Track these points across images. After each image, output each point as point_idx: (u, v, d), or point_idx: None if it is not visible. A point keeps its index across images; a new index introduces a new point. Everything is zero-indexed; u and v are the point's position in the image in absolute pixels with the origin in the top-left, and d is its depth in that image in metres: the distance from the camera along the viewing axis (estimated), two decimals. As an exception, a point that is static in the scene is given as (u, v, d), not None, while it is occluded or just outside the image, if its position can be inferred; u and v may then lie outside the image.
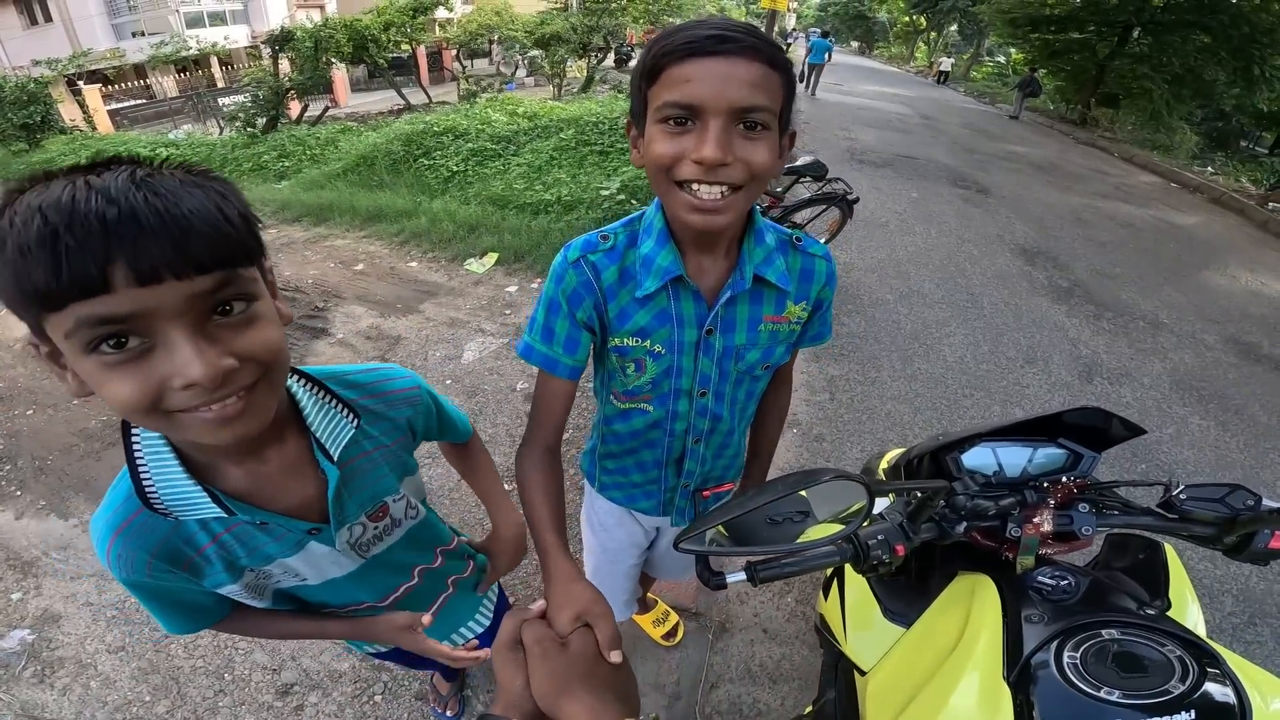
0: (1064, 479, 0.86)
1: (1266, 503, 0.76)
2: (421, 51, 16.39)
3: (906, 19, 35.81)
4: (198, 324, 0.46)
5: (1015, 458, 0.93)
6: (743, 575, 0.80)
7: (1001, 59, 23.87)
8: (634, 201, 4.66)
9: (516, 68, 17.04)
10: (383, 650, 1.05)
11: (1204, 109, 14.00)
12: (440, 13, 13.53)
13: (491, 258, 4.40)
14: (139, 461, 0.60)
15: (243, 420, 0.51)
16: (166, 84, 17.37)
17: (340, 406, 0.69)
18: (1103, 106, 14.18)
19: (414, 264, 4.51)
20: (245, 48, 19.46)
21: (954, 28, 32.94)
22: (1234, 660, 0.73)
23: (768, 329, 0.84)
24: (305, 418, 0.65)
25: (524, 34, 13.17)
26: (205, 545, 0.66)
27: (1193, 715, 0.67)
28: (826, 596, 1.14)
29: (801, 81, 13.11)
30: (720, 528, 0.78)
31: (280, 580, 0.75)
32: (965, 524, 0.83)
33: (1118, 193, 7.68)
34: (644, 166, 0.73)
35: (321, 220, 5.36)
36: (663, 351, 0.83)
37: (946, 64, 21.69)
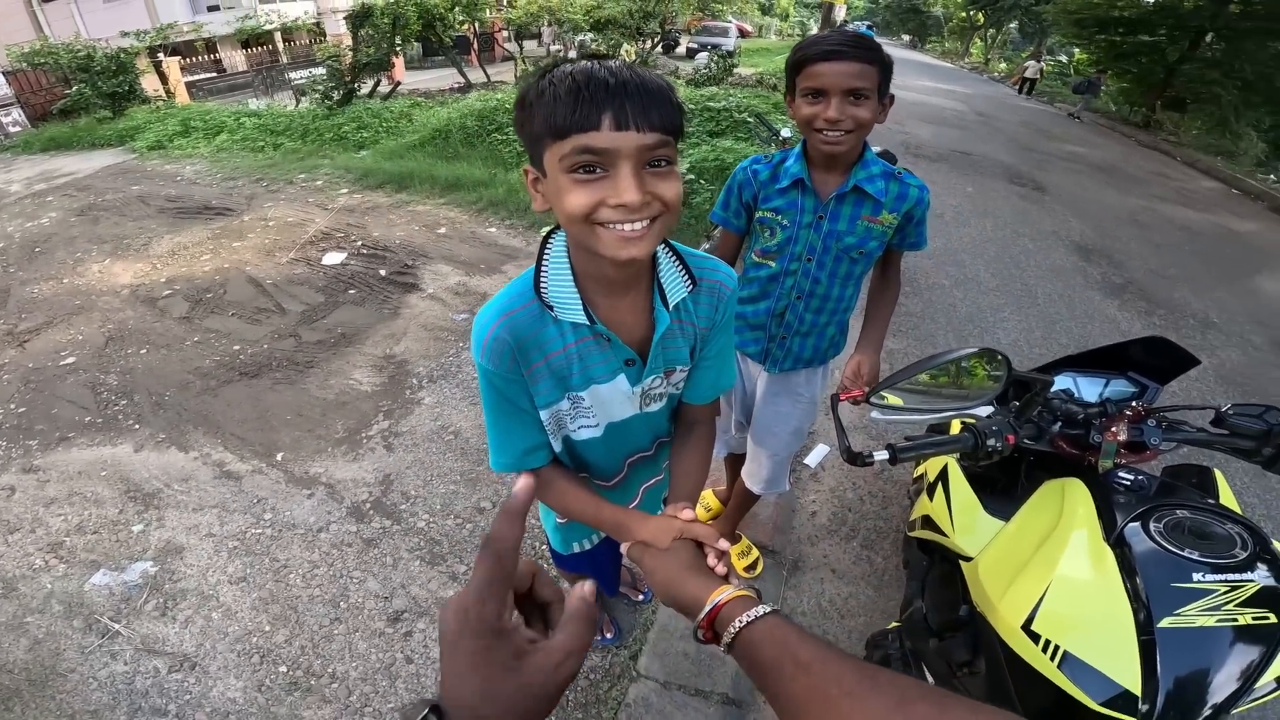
0: (1135, 403, 1.07)
1: None
2: (477, 30, 16.71)
3: (963, 14, 34.75)
4: (638, 167, 0.64)
5: (1092, 386, 1.18)
6: (886, 454, 1.00)
7: (1063, 58, 22.92)
8: (701, 180, 4.90)
9: (567, 49, 17.26)
10: (585, 550, 1.22)
11: (1273, 116, 13.43)
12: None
13: (567, 227, 4.71)
14: (544, 265, 0.80)
15: (639, 243, 0.67)
16: (236, 58, 18.06)
17: (684, 271, 0.84)
18: (1168, 110, 13.73)
19: (493, 229, 4.84)
20: (309, 24, 20.04)
21: (1014, 25, 31.89)
22: None
23: (864, 225, 1.28)
24: (658, 268, 0.83)
25: (582, 17, 13.33)
26: (555, 352, 0.82)
27: (1257, 575, 0.88)
28: (932, 498, 1.33)
29: None
30: (891, 398, 1.02)
31: (578, 426, 0.91)
32: (1059, 424, 1.06)
33: (1178, 196, 7.60)
34: (795, 119, 1.22)
35: (403, 187, 5.73)
36: (787, 224, 1.31)
37: (1033, 69, 17.67)
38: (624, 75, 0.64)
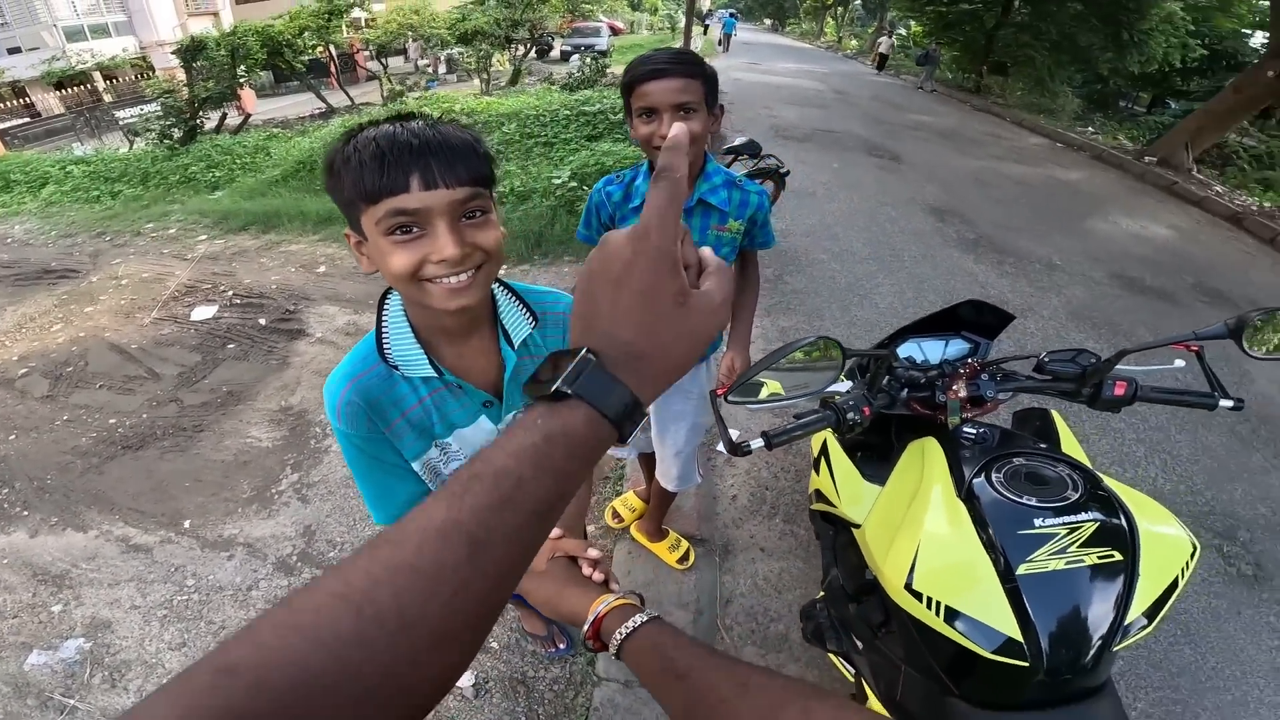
0: (970, 360, 1.18)
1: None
2: (334, 53, 15.85)
3: None
4: (453, 222, 0.67)
5: (934, 349, 1.29)
6: (761, 442, 1.02)
7: (902, 31, 24.90)
8: (584, 187, 4.93)
9: (436, 65, 16.73)
10: None
11: (1083, 73, 15.21)
12: (354, 13, 13.14)
13: (454, 251, 4.58)
14: (384, 326, 0.81)
15: (468, 292, 0.70)
16: (50, 101, 16.02)
17: (524, 309, 0.89)
18: (994, 75, 15.13)
19: None
20: (132, 59, 18.14)
21: (858, 2, 34.25)
22: (1111, 482, 1.03)
23: (714, 234, 1.35)
24: (499, 310, 0.86)
25: (446, 31, 12.99)
26: (411, 407, 0.84)
27: (1094, 513, 0.94)
28: (819, 472, 1.41)
29: (721, 44, 20.06)
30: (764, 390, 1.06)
31: (452, 463, 0.92)
32: (906, 391, 1.15)
33: (1011, 154, 8.53)
34: (636, 139, 1.24)
35: (270, 227, 5.34)
36: None
37: (885, 45, 18.46)
38: (427, 135, 0.67)
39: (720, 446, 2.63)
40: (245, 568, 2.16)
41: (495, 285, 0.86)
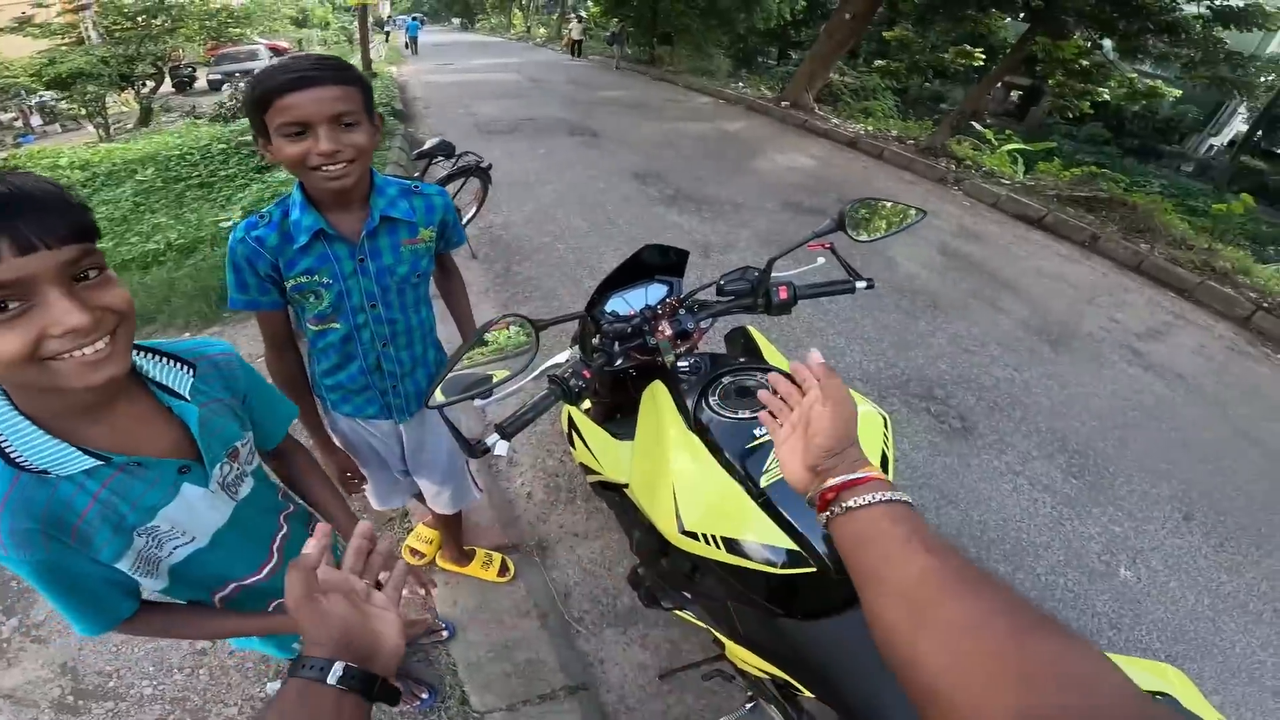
0: (667, 300, 1.27)
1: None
2: None
3: None
4: (68, 285, 0.58)
5: (637, 299, 1.34)
6: (497, 437, 0.99)
7: (582, 14, 26.39)
8: (268, 223, 4.32)
9: (26, 116, 12.92)
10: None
11: (729, 35, 17.78)
12: None
13: (111, 332, 3.66)
14: None
15: (110, 361, 0.62)
16: None
17: (173, 362, 0.79)
18: (664, 45, 16.91)
19: None
20: None
21: (539, -10, 35.07)
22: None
23: (408, 250, 1.20)
24: (143, 373, 0.75)
25: (28, 78, 10.16)
26: (86, 507, 0.70)
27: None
28: (575, 446, 1.41)
29: (408, 48, 19.81)
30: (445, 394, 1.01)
31: (171, 548, 0.80)
32: (619, 344, 1.19)
33: (687, 115, 9.72)
34: (278, 161, 1.03)
35: None
36: (330, 281, 1.16)
37: (578, 31, 19.18)
38: (3, 191, 0.55)
39: (498, 451, 2.56)
40: (21, 717, 1.78)
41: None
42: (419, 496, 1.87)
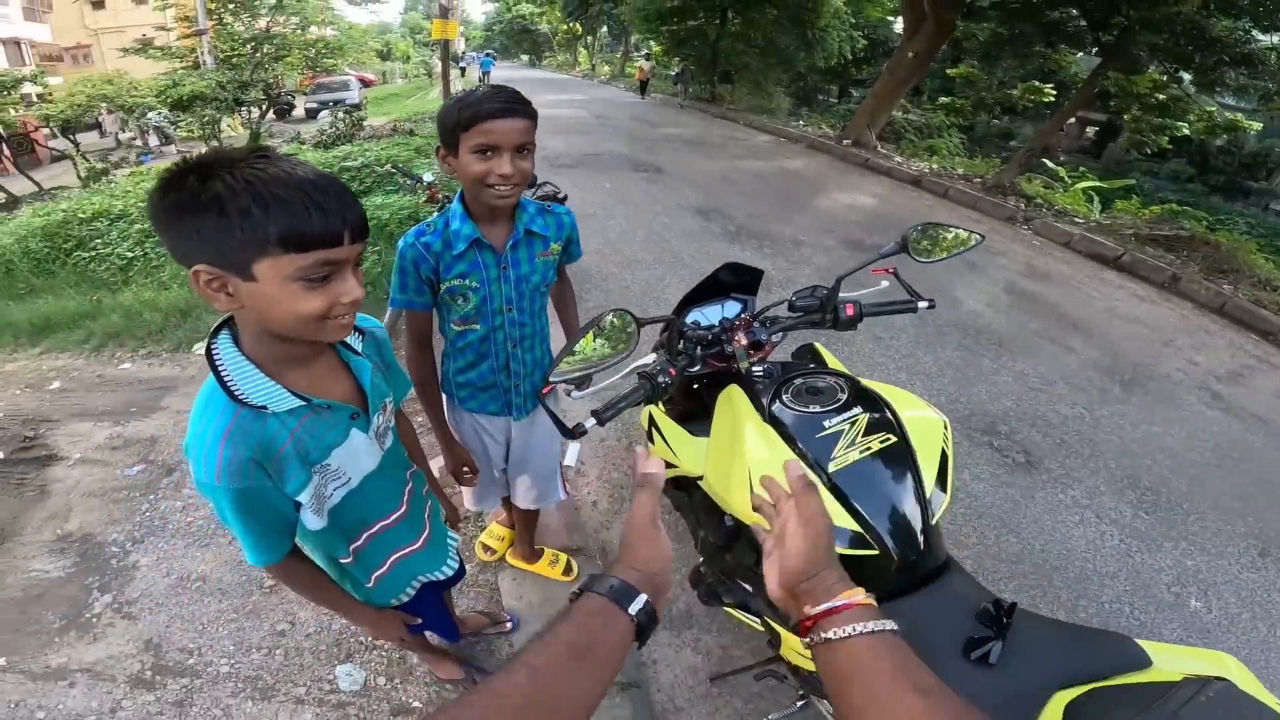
0: (743, 315, 1.41)
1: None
2: (2, 134, 12.95)
3: (565, 27, 37.93)
4: (356, 268, 0.78)
5: (714, 313, 1.51)
6: (593, 420, 1.09)
7: (645, 52, 27.25)
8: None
9: (144, 135, 14.41)
10: (408, 600, 1.25)
11: (788, 74, 17.97)
12: (25, 88, 10.90)
13: (223, 333, 4.08)
14: (223, 372, 0.80)
15: (350, 326, 0.82)
16: None
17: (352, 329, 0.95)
18: (724, 84, 17.15)
19: (127, 365, 3.96)
20: None
21: (604, 29, 36.67)
22: (868, 382, 1.23)
23: (541, 261, 1.39)
24: None
25: (155, 98, 11.33)
26: (286, 441, 0.85)
27: (859, 409, 1.12)
28: (654, 442, 1.53)
29: (481, 81, 20.00)
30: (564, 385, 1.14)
31: (333, 488, 0.95)
32: (700, 349, 1.33)
33: (748, 153, 9.95)
34: (455, 173, 1.24)
35: (-29, 348, 4.28)
36: (478, 285, 1.34)
37: (648, 69, 18.74)
38: (327, 181, 0.72)
39: (569, 460, 2.74)
40: (97, 691, 1.93)
41: None
42: (505, 501, 2.05)
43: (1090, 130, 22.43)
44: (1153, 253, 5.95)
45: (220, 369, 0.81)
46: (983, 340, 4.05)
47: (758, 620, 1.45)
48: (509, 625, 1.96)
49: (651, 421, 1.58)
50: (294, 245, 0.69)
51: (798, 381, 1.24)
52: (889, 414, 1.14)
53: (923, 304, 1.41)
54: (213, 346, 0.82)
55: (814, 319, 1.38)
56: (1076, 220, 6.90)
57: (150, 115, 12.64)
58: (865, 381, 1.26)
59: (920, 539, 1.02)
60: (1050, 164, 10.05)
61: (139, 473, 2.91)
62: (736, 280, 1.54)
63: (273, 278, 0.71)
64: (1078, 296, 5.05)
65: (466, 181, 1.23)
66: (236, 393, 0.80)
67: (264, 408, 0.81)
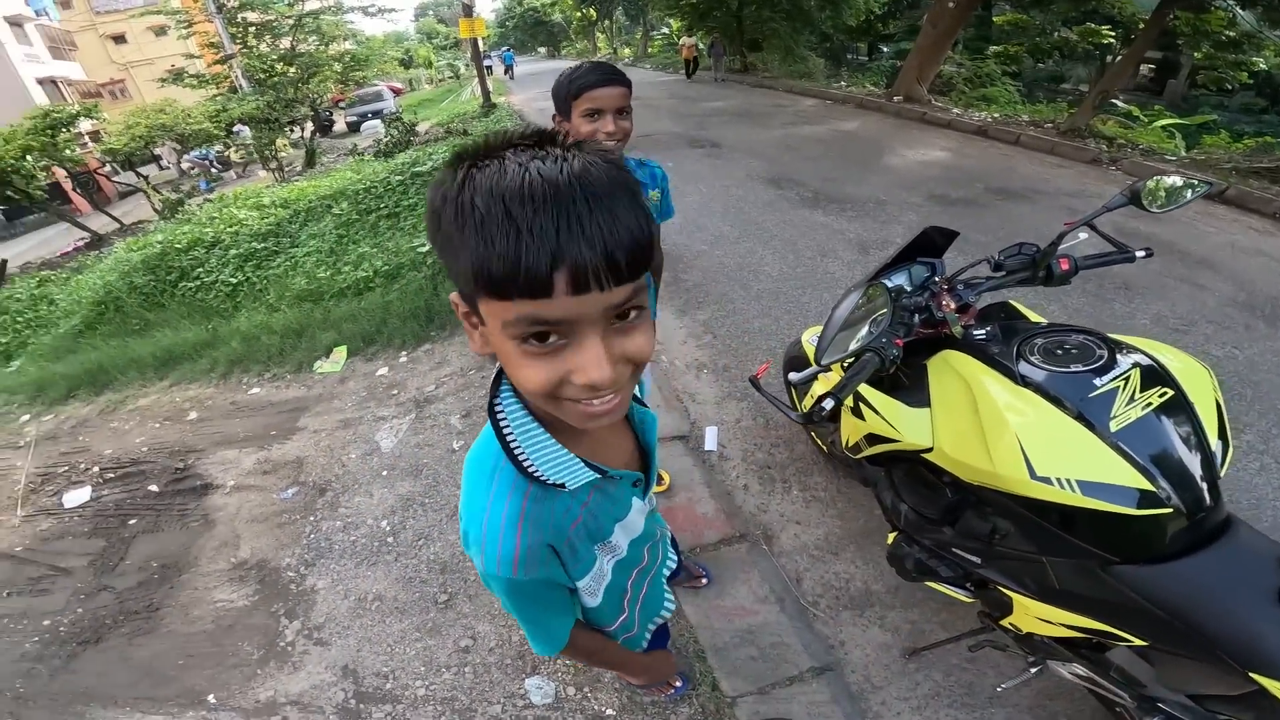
0: (938, 277, 1.39)
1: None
2: (69, 173, 13.62)
3: (579, 14, 37.38)
4: (605, 329, 0.50)
5: (902, 278, 1.47)
6: (831, 402, 1.12)
7: (665, 30, 26.75)
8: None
9: (208, 165, 14.98)
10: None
11: (815, 35, 17.32)
12: (83, 124, 11.42)
13: (341, 352, 4.19)
14: (509, 438, 0.63)
15: (611, 414, 0.55)
16: None
17: None
18: (753, 52, 16.73)
19: (256, 390, 4.14)
20: None
21: (619, 11, 36.15)
22: (1114, 335, 1.12)
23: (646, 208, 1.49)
24: None
25: (210, 124, 11.72)
26: (577, 519, 0.70)
27: (1128, 362, 1.01)
28: (863, 418, 1.45)
29: (507, 73, 23.58)
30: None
31: (609, 562, 0.82)
32: (916, 316, 1.31)
33: (799, 119, 9.71)
34: (569, 132, 1.33)
35: (102, 386, 4.56)
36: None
37: (689, 48, 16.89)
38: (575, 190, 0.45)
39: (708, 445, 2.72)
40: None
41: None
42: None
43: (1146, 69, 21.16)
44: (1258, 185, 5.62)
45: (508, 434, 0.64)
46: (1106, 285, 3.90)
47: (964, 593, 1.41)
48: (704, 580, 2.00)
49: (856, 396, 1.47)
50: (486, 288, 0.47)
51: (1039, 341, 1.16)
52: (1159, 367, 1.07)
53: (1140, 253, 1.33)
54: (496, 404, 0.66)
55: (1023, 276, 1.32)
56: (1168, 157, 6.56)
57: (241, 130, 13.00)
58: (1113, 335, 1.18)
59: (1207, 493, 0.98)
60: (1119, 104, 9.56)
61: (294, 495, 3.03)
62: (922, 241, 1.48)
63: (494, 325, 0.51)
64: (1193, 233, 4.80)
65: (578, 139, 1.36)
66: (529, 467, 0.64)
67: (561, 485, 0.65)
